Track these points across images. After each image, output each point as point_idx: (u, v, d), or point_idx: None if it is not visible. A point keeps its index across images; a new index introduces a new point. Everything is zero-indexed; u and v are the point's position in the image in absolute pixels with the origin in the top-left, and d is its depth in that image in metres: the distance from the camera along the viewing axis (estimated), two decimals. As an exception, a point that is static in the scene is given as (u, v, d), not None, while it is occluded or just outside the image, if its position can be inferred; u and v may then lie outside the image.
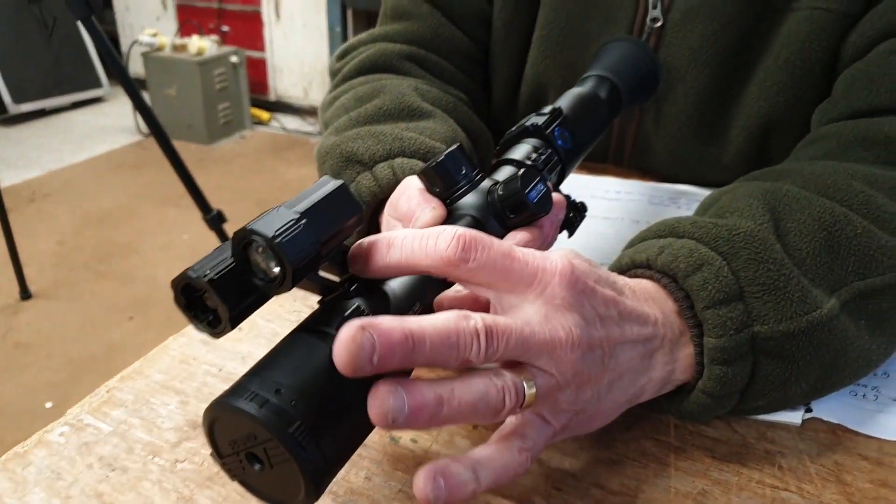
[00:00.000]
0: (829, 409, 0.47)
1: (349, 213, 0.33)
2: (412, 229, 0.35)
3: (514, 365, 0.34)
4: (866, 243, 0.45)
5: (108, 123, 3.89)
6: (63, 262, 2.51)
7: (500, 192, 0.42)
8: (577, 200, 0.50)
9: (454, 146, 0.43)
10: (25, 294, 2.27)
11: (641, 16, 0.70)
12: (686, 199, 0.74)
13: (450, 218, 0.42)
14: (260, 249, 0.31)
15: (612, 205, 0.73)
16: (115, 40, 4.36)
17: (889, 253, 0.45)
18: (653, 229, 0.47)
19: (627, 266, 0.45)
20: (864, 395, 0.49)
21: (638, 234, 0.48)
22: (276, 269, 0.31)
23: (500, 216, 0.43)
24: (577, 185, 0.76)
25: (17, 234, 2.15)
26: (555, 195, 0.45)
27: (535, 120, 0.50)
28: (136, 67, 3.92)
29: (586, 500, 0.39)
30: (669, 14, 0.69)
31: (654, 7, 0.69)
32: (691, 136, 0.73)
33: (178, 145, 1.80)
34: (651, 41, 0.70)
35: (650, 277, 0.43)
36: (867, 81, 0.59)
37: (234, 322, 0.31)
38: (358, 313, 0.33)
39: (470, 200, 0.43)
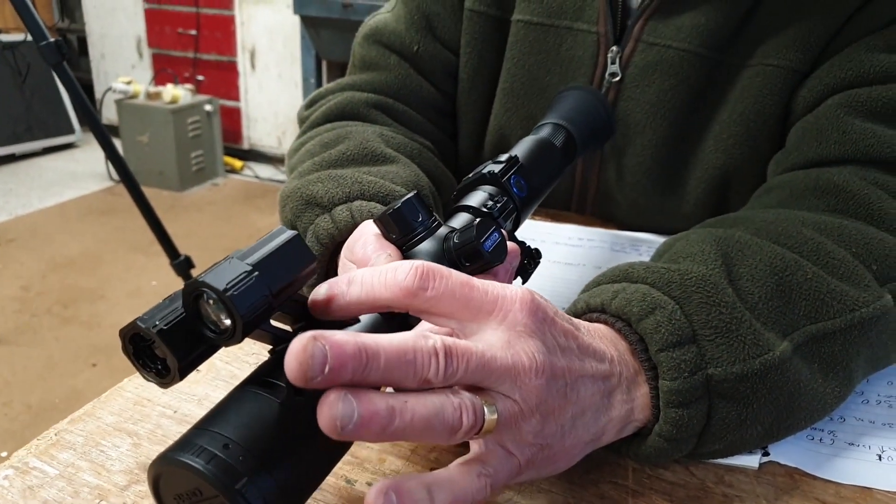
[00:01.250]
0: (786, 452, 0.47)
1: (303, 265, 0.33)
2: (370, 268, 0.35)
3: (476, 389, 0.33)
4: (816, 288, 0.46)
5: (79, 169, 3.87)
6: (26, 307, 2.46)
7: (456, 241, 0.42)
8: (532, 247, 0.50)
9: (411, 193, 0.43)
10: (-13, 340, 2.22)
11: (601, 71, 0.72)
12: (647, 247, 0.75)
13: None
14: (211, 301, 0.30)
15: (574, 251, 0.74)
16: (89, 87, 4.37)
17: (839, 297, 0.46)
18: (607, 274, 0.48)
19: (583, 310, 0.45)
20: (820, 440, 0.49)
21: (593, 279, 0.49)
22: (227, 322, 0.30)
23: (455, 264, 0.43)
24: (540, 232, 0.78)
25: (-22, 280, 2.12)
26: (509, 243, 0.46)
27: (492, 168, 0.51)
28: (109, 114, 3.92)
29: None
30: (628, 69, 0.71)
31: (613, 63, 0.71)
32: (651, 186, 0.75)
33: (150, 192, 1.80)
34: (610, 95, 0.73)
35: (605, 321, 0.43)
36: (817, 134, 0.62)
37: (184, 373, 0.31)
38: None
39: (426, 248, 0.43)
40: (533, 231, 0.78)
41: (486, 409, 0.33)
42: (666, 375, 0.40)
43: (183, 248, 1.76)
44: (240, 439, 0.29)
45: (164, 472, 0.30)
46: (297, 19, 3.13)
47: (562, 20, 0.73)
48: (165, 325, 0.30)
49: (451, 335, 0.35)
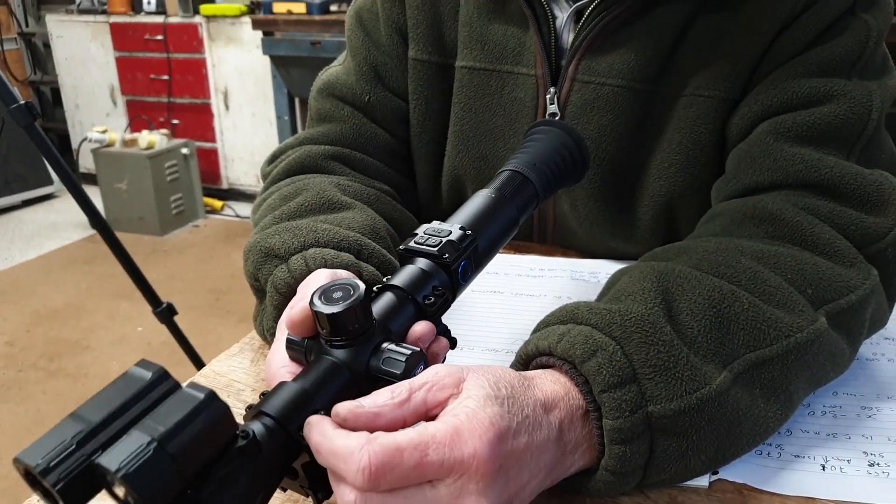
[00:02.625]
0: (734, 469, 0.50)
1: (224, 442, 0.33)
2: (327, 445, 0.37)
3: None
4: (753, 317, 0.49)
5: (59, 220, 3.88)
6: (12, 363, 2.46)
7: (382, 367, 0.42)
8: (452, 336, 0.50)
9: (358, 298, 0.41)
10: (-28, 398, 2.22)
11: (542, 111, 0.75)
12: (604, 274, 0.78)
13: (322, 367, 0.42)
14: (121, 489, 0.30)
15: (535, 282, 0.77)
16: (65, 138, 4.39)
17: (775, 324, 0.49)
18: (556, 314, 0.50)
19: (533, 352, 0.48)
20: (768, 454, 0.52)
21: (543, 319, 0.51)
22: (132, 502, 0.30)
23: (372, 381, 0.42)
24: (503, 263, 0.81)
25: (-38, 339, 2.12)
26: (440, 339, 0.47)
27: (447, 251, 0.49)
28: (87, 163, 3.94)
29: None
30: (567, 108, 0.74)
31: (552, 103, 0.74)
32: (603, 216, 0.78)
33: (131, 238, 1.82)
34: None
35: (553, 365, 0.46)
36: (751, 161, 0.65)
37: None
38: None
39: (349, 355, 0.42)
40: (497, 263, 0.80)
41: None
42: (609, 415, 0.43)
43: (167, 292, 1.77)
44: None
45: None
46: (267, 59, 3.17)
47: (502, 65, 0.76)
48: (63, 479, 0.29)
49: None
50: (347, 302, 0.41)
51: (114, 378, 0.33)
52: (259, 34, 3.11)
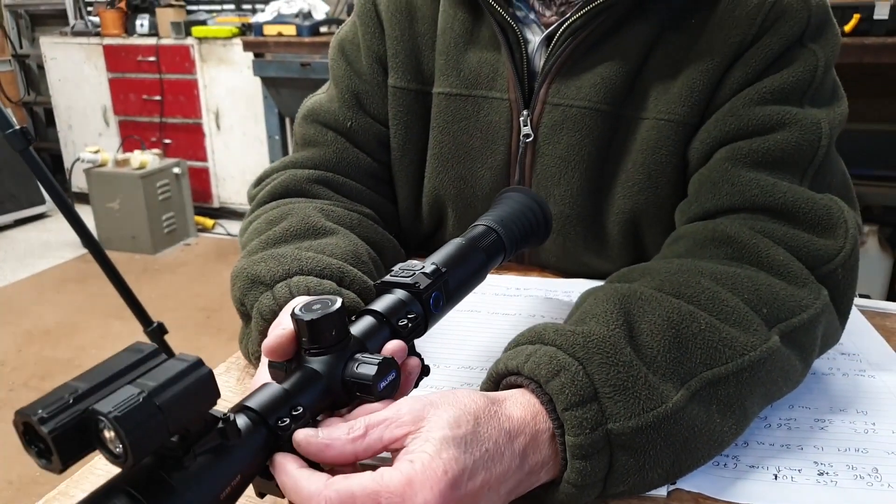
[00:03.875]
0: (691, 479, 0.51)
1: (207, 404, 0.36)
2: (291, 485, 0.40)
3: None
4: (710, 336, 0.52)
5: (52, 239, 3.89)
6: (3, 382, 2.46)
7: (356, 371, 0.45)
8: (424, 362, 0.52)
9: (335, 306, 0.45)
10: (-36, 418, 2.22)
11: (516, 133, 0.78)
12: (577, 293, 0.81)
13: (300, 373, 0.45)
14: (110, 432, 0.32)
15: (511, 301, 0.80)
16: (58, 157, 4.41)
17: (730, 343, 0.52)
18: (525, 335, 0.53)
19: (503, 371, 0.51)
20: (724, 465, 0.54)
21: (513, 339, 0.54)
22: (119, 448, 0.32)
23: (346, 387, 0.45)
24: (482, 283, 0.84)
25: (-46, 359, 2.13)
26: (412, 359, 0.50)
27: (420, 281, 0.52)
28: (79, 182, 3.96)
29: None
30: (539, 129, 0.77)
31: (525, 125, 0.77)
32: (573, 233, 0.80)
33: (123, 257, 1.84)
34: (528, 153, 0.79)
35: (521, 383, 0.49)
36: (711, 186, 0.68)
37: (65, 467, 0.33)
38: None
39: (324, 362, 0.45)
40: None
41: None
42: (570, 432, 0.46)
43: (159, 311, 1.79)
44: None
45: None
46: (257, 80, 3.20)
47: (477, 90, 0.79)
48: (59, 428, 0.32)
49: None
50: (325, 311, 0.44)
51: None
52: (250, 55, 3.15)
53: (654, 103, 0.72)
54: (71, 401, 0.33)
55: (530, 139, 0.78)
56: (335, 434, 0.42)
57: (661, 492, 0.51)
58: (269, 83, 3.15)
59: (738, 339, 0.52)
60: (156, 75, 3.91)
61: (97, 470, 0.54)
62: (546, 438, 0.46)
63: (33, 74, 4.49)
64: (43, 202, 4.18)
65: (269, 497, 0.45)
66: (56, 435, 0.32)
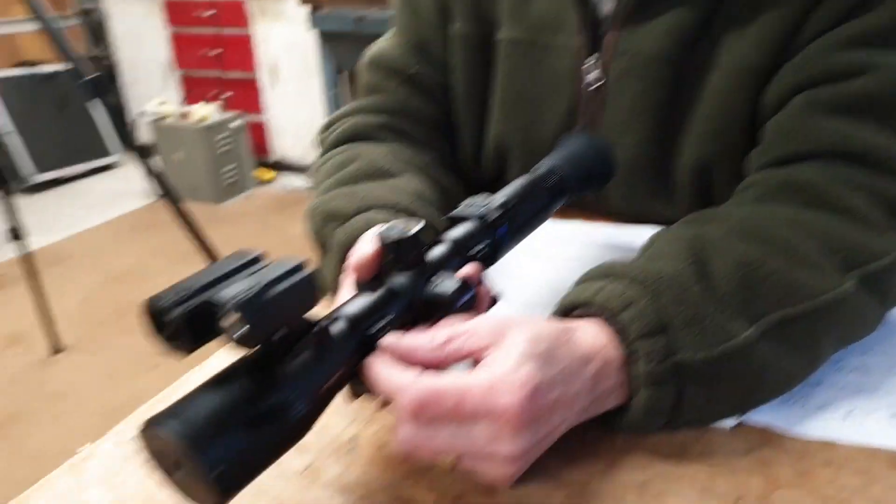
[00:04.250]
0: (759, 413, 0.52)
1: (310, 304, 0.39)
2: (383, 379, 0.43)
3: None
4: (782, 279, 0.51)
5: (122, 188, 4.03)
6: (88, 318, 2.63)
7: (436, 290, 0.47)
8: (493, 293, 0.54)
9: (418, 226, 0.47)
10: (57, 348, 2.39)
11: (581, 81, 0.77)
12: (641, 239, 0.75)
13: (385, 289, 0.47)
14: (233, 317, 0.35)
15: (576, 246, 0.80)
16: (123, 111, 4.52)
17: (803, 286, 0.51)
18: (595, 270, 0.54)
19: (571, 304, 0.52)
20: (793, 402, 0.53)
21: (583, 275, 0.55)
22: (237, 335, 0.35)
23: (426, 304, 0.47)
24: (546, 229, 0.78)
25: (46, 294, 2.29)
26: (483, 287, 0.51)
27: (488, 213, 0.55)
28: (144, 136, 4.07)
29: (544, 489, 0.45)
30: (605, 77, 0.75)
31: (590, 72, 0.76)
32: (640, 179, 0.79)
33: (187, 206, 1.93)
34: (594, 101, 0.77)
35: (591, 314, 0.50)
36: (785, 133, 0.65)
37: (190, 352, 0.36)
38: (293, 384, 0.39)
39: (405, 280, 0.47)
40: (540, 229, 0.78)
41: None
42: (640, 360, 0.47)
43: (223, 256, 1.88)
44: (209, 417, 0.36)
45: (147, 436, 0.37)
46: (313, 34, 3.21)
47: (543, 36, 0.78)
48: (185, 315, 0.35)
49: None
50: (408, 231, 0.47)
51: None
52: (306, 9, 3.13)
53: (728, 50, 0.69)
54: (193, 292, 0.36)
55: (596, 87, 0.77)
56: (418, 341, 0.44)
57: (728, 423, 0.51)
58: (324, 37, 3.14)
59: (811, 282, 0.52)
60: (214, 29, 3.96)
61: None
62: (616, 367, 0.47)
63: (98, 30, 4.59)
64: (111, 153, 4.32)
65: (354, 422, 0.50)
66: (182, 321, 0.35)
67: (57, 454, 0.51)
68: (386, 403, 0.48)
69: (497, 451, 0.42)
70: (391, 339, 0.45)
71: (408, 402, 0.41)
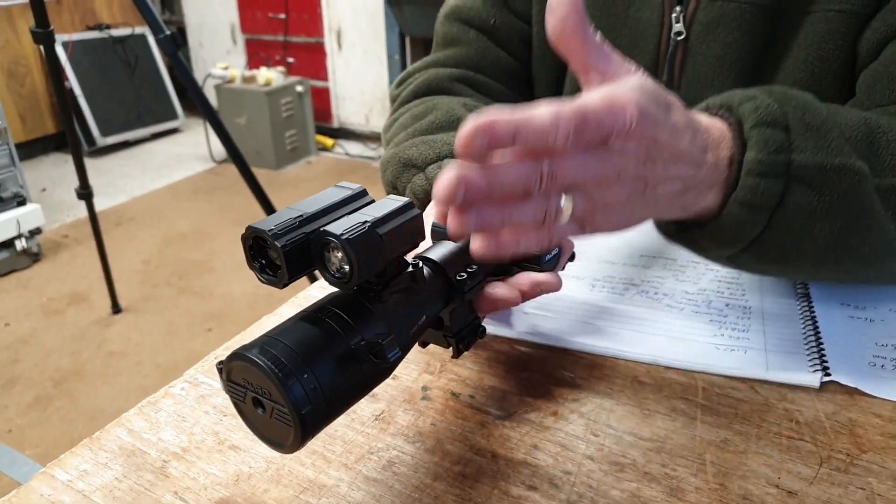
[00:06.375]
0: (846, 373, 0.50)
1: (414, 243, 0.39)
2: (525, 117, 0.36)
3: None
4: None
5: (184, 152, 4.14)
6: (148, 279, 2.69)
7: None
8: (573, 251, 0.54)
9: None
10: (116, 308, 2.45)
11: (667, 30, 0.75)
12: None
13: (468, 240, 0.46)
14: (339, 253, 0.35)
15: None
16: (190, 75, 4.61)
17: None
18: (712, 98, 0.51)
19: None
20: (882, 366, 0.52)
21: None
22: (344, 269, 0.36)
23: (514, 257, 0.47)
24: None
25: (107, 255, 2.33)
26: (566, 242, 0.50)
27: None
28: (210, 99, 4.15)
29: (620, 445, 0.45)
30: (692, 27, 0.73)
31: (678, 22, 0.73)
32: None
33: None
34: (678, 54, 0.75)
35: (711, 113, 0.48)
36: (886, 80, 0.62)
37: (290, 282, 0.36)
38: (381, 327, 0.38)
39: None
40: None
41: (564, 200, 0.38)
42: (753, 147, 0.44)
43: (283, 222, 1.89)
44: (307, 359, 0.34)
45: (230, 369, 0.36)
46: (380, -2, 3.21)
47: None
48: (289, 244, 0.35)
49: None
50: None
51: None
52: None
53: None
54: (298, 223, 0.36)
55: (682, 37, 0.74)
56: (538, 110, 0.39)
57: (815, 382, 0.50)
58: (391, 1, 3.14)
59: None
60: (280, -7, 3.99)
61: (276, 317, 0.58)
62: (725, 156, 0.45)
63: (168, -7, 4.68)
64: (176, 117, 4.43)
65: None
66: (287, 250, 0.35)
67: (114, 413, 0.49)
68: (458, 353, 0.47)
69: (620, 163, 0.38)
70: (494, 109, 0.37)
71: (567, 120, 0.35)
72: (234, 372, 0.36)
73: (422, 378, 0.52)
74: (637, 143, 0.39)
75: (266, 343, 0.35)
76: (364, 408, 0.49)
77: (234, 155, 1.67)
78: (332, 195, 0.38)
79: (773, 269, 0.51)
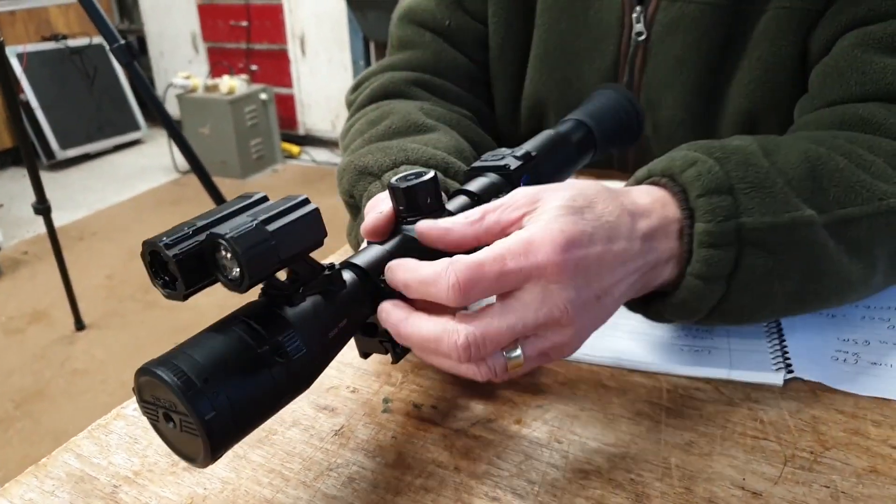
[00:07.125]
0: (809, 370, 0.50)
1: (314, 239, 0.37)
2: (414, 276, 0.41)
3: None
4: (847, 177, 0.50)
5: (147, 163, 4.07)
6: (112, 294, 2.64)
7: None
8: None
9: (429, 175, 0.46)
10: (80, 325, 2.40)
11: (627, 31, 0.75)
12: None
13: (399, 238, 0.46)
14: (227, 254, 0.34)
15: None
16: (150, 85, 4.55)
17: (867, 187, 0.50)
18: (655, 162, 0.52)
19: (634, 181, 0.50)
20: (844, 360, 0.52)
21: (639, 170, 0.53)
22: (236, 271, 0.34)
23: (443, 255, 0.46)
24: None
25: (69, 271, 2.28)
26: None
27: (510, 162, 0.54)
28: (171, 109, 4.08)
29: (585, 452, 0.44)
30: (653, 28, 0.73)
31: (638, 22, 0.74)
32: (684, 137, 0.76)
33: (214, 181, 1.90)
34: (638, 54, 0.76)
35: (653, 182, 0.48)
36: (838, 76, 0.63)
37: (187, 297, 0.35)
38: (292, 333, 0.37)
39: None
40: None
41: (509, 355, 0.41)
42: (701, 219, 0.45)
43: (250, 232, 1.86)
44: (210, 368, 0.34)
45: (143, 382, 0.35)
46: (343, 3, 3.19)
47: None
48: (182, 254, 0.34)
49: None
50: (420, 179, 0.46)
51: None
52: None
53: None
54: (191, 231, 0.35)
55: (643, 37, 0.75)
56: (453, 220, 0.43)
57: (778, 380, 0.50)
58: (354, 6, 3.13)
59: (877, 185, 0.50)
60: (242, 0, 3.94)
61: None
62: (675, 230, 0.46)
63: (126, 2, 4.61)
64: (138, 128, 4.36)
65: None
66: (180, 259, 0.34)
67: (77, 431, 0.49)
68: (397, 358, 0.46)
69: (552, 312, 0.40)
70: (425, 222, 0.43)
71: (452, 284, 0.39)
72: (144, 390, 0.36)
73: (383, 390, 0.51)
74: (567, 275, 0.40)
75: (170, 356, 0.35)
76: (323, 423, 0.48)
77: (196, 166, 1.64)
78: (231, 204, 0.37)
79: (743, 323, 0.52)
